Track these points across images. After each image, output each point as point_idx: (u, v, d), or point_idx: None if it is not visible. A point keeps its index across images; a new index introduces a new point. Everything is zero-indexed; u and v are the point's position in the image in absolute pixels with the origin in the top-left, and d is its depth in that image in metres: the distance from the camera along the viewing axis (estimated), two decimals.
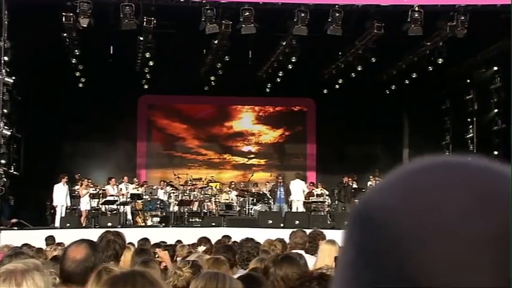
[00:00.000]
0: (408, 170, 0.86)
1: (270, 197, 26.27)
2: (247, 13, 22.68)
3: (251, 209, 25.87)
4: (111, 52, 27.23)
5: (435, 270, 0.76)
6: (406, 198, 0.81)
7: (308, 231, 17.47)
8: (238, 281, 4.42)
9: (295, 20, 22.96)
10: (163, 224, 23.37)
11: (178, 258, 8.84)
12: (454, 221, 0.78)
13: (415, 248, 0.77)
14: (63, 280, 4.42)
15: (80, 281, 4.32)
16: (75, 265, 4.38)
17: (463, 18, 22.92)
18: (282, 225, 21.53)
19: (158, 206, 25.43)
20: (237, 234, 15.05)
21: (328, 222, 23.82)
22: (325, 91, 30.55)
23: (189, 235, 16.59)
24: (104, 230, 6.94)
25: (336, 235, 17.31)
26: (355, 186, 27.95)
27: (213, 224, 21.58)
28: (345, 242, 0.86)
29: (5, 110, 22.75)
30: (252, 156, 32.33)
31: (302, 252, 9.04)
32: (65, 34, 24.30)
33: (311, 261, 7.90)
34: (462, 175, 0.83)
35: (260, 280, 4.82)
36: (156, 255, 7.98)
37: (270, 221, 22.22)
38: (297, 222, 21.32)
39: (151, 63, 26.98)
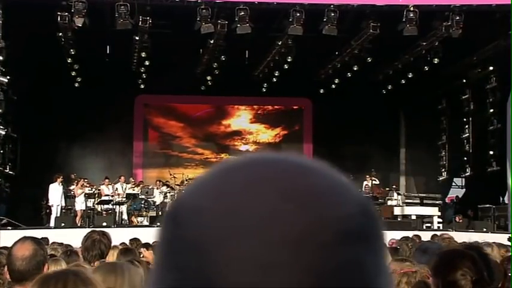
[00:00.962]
0: (218, 170, 0.84)
1: None
2: (243, 13, 22.68)
3: None
4: (108, 52, 27.22)
5: (234, 271, 0.76)
6: (212, 198, 0.80)
7: None
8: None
9: (290, 19, 22.95)
10: (158, 224, 23.33)
11: None
12: (257, 221, 0.77)
13: (215, 248, 0.77)
14: (16, 280, 4.39)
15: (35, 277, 4.31)
16: (26, 262, 4.36)
17: (458, 18, 22.92)
18: None
19: (142, 205, 25.42)
20: None
21: None
22: (321, 91, 30.56)
23: None
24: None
25: None
26: None
27: None
28: (157, 242, 0.84)
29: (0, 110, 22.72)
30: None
31: None
32: (60, 34, 24.26)
33: None
34: (270, 173, 0.81)
35: None
36: (142, 255, 7.97)
37: None
38: None
39: (147, 62, 26.93)
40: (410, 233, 18.48)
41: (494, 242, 8.80)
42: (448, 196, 31.34)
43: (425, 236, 14.05)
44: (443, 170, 31.16)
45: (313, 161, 0.85)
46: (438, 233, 13.95)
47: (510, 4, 20.52)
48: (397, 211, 25.46)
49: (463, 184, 30.98)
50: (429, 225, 25.14)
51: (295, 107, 32.83)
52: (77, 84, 28.84)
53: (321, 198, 0.80)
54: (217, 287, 0.76)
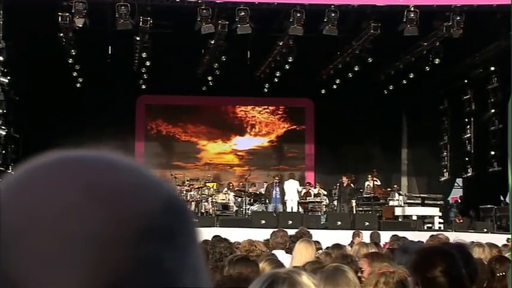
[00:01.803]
0: (26, 167, 0.83)
1: (267, 197, 26.33)
2: (243, 13, 22.65)
3: (248, 209, 25.88)
4: (110, 52, 27.23)
5: (26, 266, 0.75)
6: (13, 194, 0.80)
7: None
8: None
9: (291, 20, 22.93)
10: None
11: None
12: (54, 216, 0.76)
13: (12, 242, 0.76)
14: None
15: None
16: None
17: (458, 18, 22.87)
18: (275, 225, 21.52)
19: None
20: (230, 234, 15.03)
21: (322, 223, 23.86)
22: (323, 91, 30.53)
23: None
24: None
25: (329, 235, 17.44)
26: (352, 186, 27.94)
27: (207, 224, 21.56)
28: None
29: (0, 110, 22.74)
30: (251, 156, 32.30)
31: (282, 252, 9.11)
32: (61, 34, 24.27)
33: (289, 261, 7.98)
34: (75, 169, 0.81)
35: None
36: None
37: (263, 221, 22.24)
38: (290, 222, 21.31)
39: (148, 63, 26.93)
40: (410, 234, 18.60)
41: (487, 243, 8.80)
42: (452, 196, 31.32)
43: (425, 236, 14.01)
44: (444, 170, 31.10)
45: (124, 158, 0.84)
46: (437, 233, 13.89)
47: (510, 4, 20.49)
48: (398, 212, 25.43)
49: (464, 184, 30.93)
50: (430, 225, 25.12)
51: (296, 107, 32.78)
52: (78, 85, 28.86)
53: (123, 195, 0.79)
54: (12, 282, 0.75)
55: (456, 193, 31.55)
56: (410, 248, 5.14)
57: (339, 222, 23.10)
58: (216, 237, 8.60)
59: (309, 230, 19.93)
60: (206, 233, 15.49)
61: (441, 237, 11.21)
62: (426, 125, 30.68)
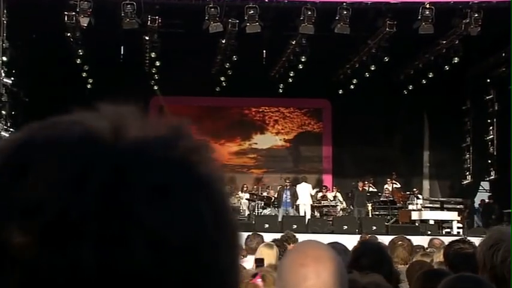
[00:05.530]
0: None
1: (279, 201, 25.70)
2: (252, 11, 22.23)
3: (261, 213, 25.25)
4: (122, 53, 26.88)
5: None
6: None
7: (306, 235, 16.90)
8: None
9: (301, 18, 22.37)
10: None
11: None
12: None
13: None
14: None
15: None
16: None
17: (476, 15, 22.16)
18: (279, 229, 20.88)
19: None
20: None
21: (329, 227, 23.15)
22: (340, 91, 29.77)
23: None
24: None
25: (333, 239, 16.71)
26: (371, 189, 27.21)
27: None
28: None
29: (3, 112, 22.43)
30: (267, 158, 31.67)
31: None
32: (68, 34, 23.93)
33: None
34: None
35: None
36: None
37: (267, 225, 21.62)
38: (295, 226, 20.71)
39: (158, 63, 26.51)
40: (419, 239, 17.77)
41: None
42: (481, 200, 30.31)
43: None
44: (467, 173, 30.14)
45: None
46: (433, 237, 13.27)
47: (510, 5, 19.89)
48: (414, 216, 24.62)
49: (489, 188, 29.95)
50: (449, 230, 24.27)
51: (314, 108, 32.07)
52: (89, 86, 28.50)
53: None
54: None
55: (480, 197, 30.52)
56: (335, 248, 4.72)
57: (345, 227, 22.41)
58: None
59: (314, 233, 19.42)
60: None
61: (436, 242, 10.90)
62: (448, 126, 29.77)
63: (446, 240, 12.53)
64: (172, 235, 0.72)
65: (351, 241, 15.18)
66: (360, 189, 26.25)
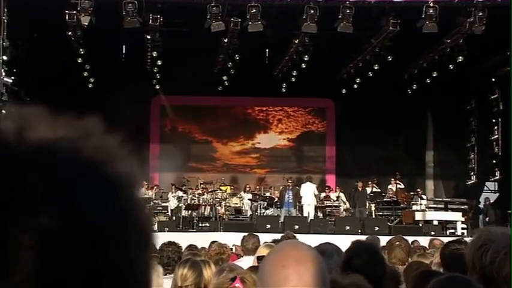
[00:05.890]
0: None
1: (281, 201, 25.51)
2: (254, 10, 22.04)
3: (263, 213, 25.06)
4: (123, 52, 26.73)
5: None
6: None
7: (308, 236, 16.74)
8: None
9: (304, 17, 22.20)
10: (168, 229, 22.48)
11: None
12: None
13: None
14: None
15: None
16: None
17: (481, 14, 21.97)
18: (281, 230, 20.74)
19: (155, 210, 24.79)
20: (231, 239, 14.35)
21: (331, 227, 22.95)
22: (343, 91, 29.59)
23: (180, 240, 15.81)
24: None
25: (335, 240, 16.54)
26: (375, 189, 27.04)
27: (211, 228, 20.83)
28: None
29: (3, 111, 22.27)
30: (270, 158, 31.48)
31: (254, 257, 8.49)
32: (69, 33, 23.81)
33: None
34: None
35: None
36: None
37: (268, 226, 21.44)
38: (297, 227, 20.54)
39: (159, 62, 26.38)
40: (422, 239, 17.57)
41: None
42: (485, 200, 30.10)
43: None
44: (472, 173, 29.92)
45: None
46: (433, 238, 13.13)
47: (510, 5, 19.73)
48: (418, 216, 24.40)
49: (495, 188, 29.72)
50: (453, 231, 24.06)
51: (317, 108, 31.88)
52: (90, 85, 28.36)
53: None
54: None
55: (485, 197, 30.28)
56: (326, 250, 4.74)
57: (348, 227, 22.18)
58: (165, 242, 8.29)
59: (316, 234, 19.24)
60: (206, 238, 14.76)
61: (436, 243, 10.79)
62: (452, 125, 29.56)
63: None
64: (71, 233, 0.72)
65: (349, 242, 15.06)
66: (360, 189, 26.08)
